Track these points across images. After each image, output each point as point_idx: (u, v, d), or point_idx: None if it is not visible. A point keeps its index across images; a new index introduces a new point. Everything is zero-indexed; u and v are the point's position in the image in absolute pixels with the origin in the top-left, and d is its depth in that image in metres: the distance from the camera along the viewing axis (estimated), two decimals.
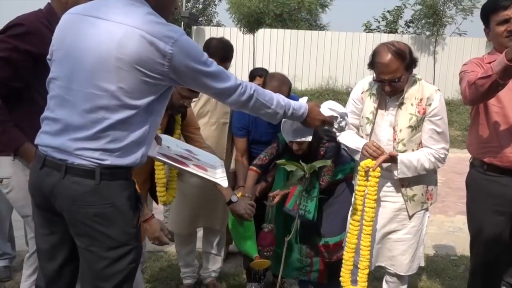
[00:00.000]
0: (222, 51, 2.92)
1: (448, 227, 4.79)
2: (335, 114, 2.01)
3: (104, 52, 1.49)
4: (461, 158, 9.07)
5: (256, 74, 3.86)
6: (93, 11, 1.57)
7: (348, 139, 2.53)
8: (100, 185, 1.52)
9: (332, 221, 2.74)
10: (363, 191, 2.35)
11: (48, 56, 1.68)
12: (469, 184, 2.51)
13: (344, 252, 2.42)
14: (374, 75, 2.37)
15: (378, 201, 2.42)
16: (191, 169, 2.07)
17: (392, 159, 2.34)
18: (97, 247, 1.57)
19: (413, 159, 2.35)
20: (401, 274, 2.52)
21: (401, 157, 2.34)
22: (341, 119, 2.04)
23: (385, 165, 2.37)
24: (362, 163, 2.35)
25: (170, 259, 3.61)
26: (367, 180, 2.34)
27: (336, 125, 2.04)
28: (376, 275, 3.18)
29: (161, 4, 1.65)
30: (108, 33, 1.50)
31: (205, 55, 1.62)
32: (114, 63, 1.49)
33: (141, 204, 1.71)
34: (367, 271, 2.39)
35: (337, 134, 2.39)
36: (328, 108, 2.01)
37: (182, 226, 2.99)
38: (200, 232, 3.15)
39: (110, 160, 1.53)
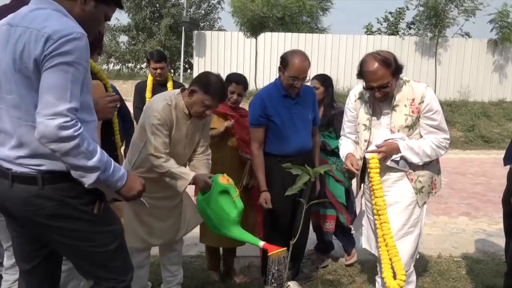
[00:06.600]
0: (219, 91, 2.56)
1: (452, 229, 4.79)
2: None
3: (7, 56, 1.54)
4: (464, 159, 9.04)
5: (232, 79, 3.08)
6: (11, 19, 1.60)
7: (343, 148, 2.70)
8: (44, 189, 1.57)
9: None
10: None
11: None
12: None
13: (380, 251, 2.46)
14: (364, 83, 2.47)
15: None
16: None
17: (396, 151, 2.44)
18: (66, 239, 1.63)
19: (413, 143, 2.45)
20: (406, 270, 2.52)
21: (400, 142, 2.44)
22: None
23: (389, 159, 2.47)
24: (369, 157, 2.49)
25: None
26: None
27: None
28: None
29: (84, 19, 1.64)
30: (10, 38, 1.54)
31: (75, 57, 1.49)
32: (16, 64, 1.52)
33: (101, 192, 1.68)
34: (397, 258, 2.38)
35: None
36: None
37: (136, 240, 2.64)
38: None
39: (47, 165, 1.57)
